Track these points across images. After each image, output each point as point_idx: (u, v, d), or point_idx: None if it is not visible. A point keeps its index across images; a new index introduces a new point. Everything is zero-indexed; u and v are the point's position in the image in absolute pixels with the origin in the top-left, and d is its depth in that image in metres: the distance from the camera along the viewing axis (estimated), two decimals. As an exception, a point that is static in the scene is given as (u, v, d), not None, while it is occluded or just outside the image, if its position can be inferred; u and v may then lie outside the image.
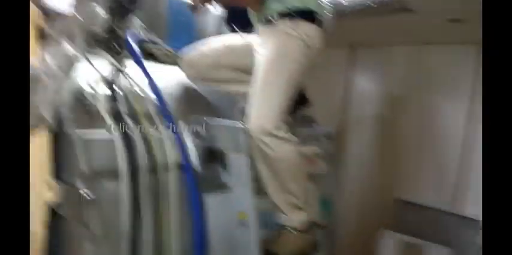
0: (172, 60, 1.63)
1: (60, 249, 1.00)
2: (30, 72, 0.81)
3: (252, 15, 1.47)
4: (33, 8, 1.19)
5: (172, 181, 1.19)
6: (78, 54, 1.02)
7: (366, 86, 3.19)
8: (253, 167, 1.30)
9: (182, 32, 1.89)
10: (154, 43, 1.60)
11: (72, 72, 0.99)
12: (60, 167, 1.00)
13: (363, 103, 3.13)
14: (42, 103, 0.82)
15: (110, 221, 0.99)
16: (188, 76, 1.55)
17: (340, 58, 3.31)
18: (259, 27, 1.41)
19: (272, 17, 1.32)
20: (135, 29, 1.56)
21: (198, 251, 1.17)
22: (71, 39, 1.04)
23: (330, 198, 1.97)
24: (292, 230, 1.29)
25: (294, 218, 1.30)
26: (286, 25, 1.30)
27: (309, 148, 1.85)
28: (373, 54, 3.17)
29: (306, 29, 1.30)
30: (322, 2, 1.38)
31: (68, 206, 0.97)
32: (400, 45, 2.97)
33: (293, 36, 1.29)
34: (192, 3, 1.43)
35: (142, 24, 1.64)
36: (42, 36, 1.09)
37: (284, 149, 1.23)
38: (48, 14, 1.21)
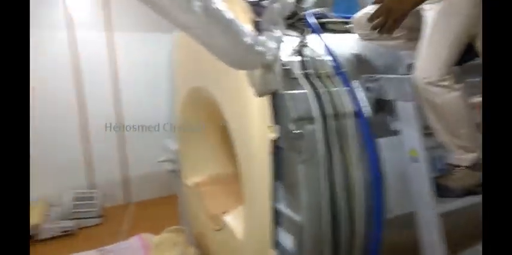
0: (341, 28, 1.96)
1: (282, 170, 1.56)
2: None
3: None
4: (245, 5, 1.73)
5: (350, 126, 1.57)
6: (282, 35, 1.48)
7: None
8: (421, 115, 1.53)
9: (346, 1, 2.18)
10: (326, 16, 1.96)
11: (280, 49, 1.46)
12: (277, 114, 1.53)
13: None
14: (271, 73, 1.31)
15: (312, 151, 1.46)
16: (359, 35, 1.79)
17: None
18: None
19: None
20: (310, 7, 1.95)
21: (376, 185, 1.53)
22: (275, 24, 1.51)
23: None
24: (462, 168, 1.48)
25: (463, 157, 1.49)
26: None
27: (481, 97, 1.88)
28: None
29: None
30: None
31: (284, 140, 1.50)
32: None
33: None
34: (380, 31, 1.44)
35: (316, 1, 2.01)
36: (256, 26, 1.61)
37: (449, 97, 1.40)
38: (256, 9, 1.74)
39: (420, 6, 1.53)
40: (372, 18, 1.42)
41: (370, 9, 1.72)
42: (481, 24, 1.52)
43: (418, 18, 1.55)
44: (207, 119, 2.39)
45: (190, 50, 2.17)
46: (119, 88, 3.37)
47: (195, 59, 2.15)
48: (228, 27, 0.94)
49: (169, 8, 0.74)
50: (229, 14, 0.97)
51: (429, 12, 1.46)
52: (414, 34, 1.62)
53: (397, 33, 1.68)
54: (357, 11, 2.12)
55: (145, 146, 3.49)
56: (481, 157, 1.49)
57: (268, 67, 1.28)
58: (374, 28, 1.42)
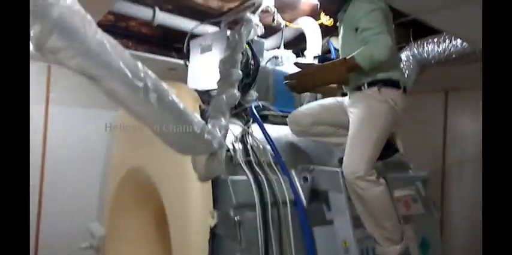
0: (280, 120, 2.17)
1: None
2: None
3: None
4: (194, 94, 1.86)
5: (288, 214, 1.62)
6: (227, 123, 1.59)
7: (464, 128, 3.28)
8: (351, 204, 1.65)
9: (285, 97, 2.46)
10: (268, 108, 2.17)
11: (225, 136, 1.55)
12: (218, 200, 1.53)
13: (462, 144, 3.21)
14: (215, 159, 1.36)
15: (251, 240, 1.45)
16: (294, 131, 2.01)
17: (436, 102, 3.50)
18: (350, 91, 1.81)
19: (362, 85, 1.68)
20: (254, 100, 2.16)
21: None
22: (222, 113, 1.62)
23: (430, 238, 2.12)
24: (388, 260, 1.56)
25: (390, 249, 1.58)
26: (373, 91, 1.66)
27: (405, 191, 2.11)
28: (467, 97, 3.30)
29: (391, 93, 1.64)
30: (403, 72, 1.76)
31: (223, 227, 1.47)
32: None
33: (379, 99, 1.64)
34: (290, 88, 1.79)
35: (257, 95, 2.24)
36: (202, 115, 1.72)
37: (374, 190, 1.56)
38: (204, 98, 1.88)
39: (346, 107, 1.79)
40: (287, 78, 1.76)
41: (305, 108, 1.98)
42: (399, 125, 1.82)
43: (345, 117, 1.79)
44: (141, 202, 2.28)
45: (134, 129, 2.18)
46: (45, 164, 3.14)
47: (135, 140, 2.15)
48: (180, 117, 1.01)
49: (128, 100, 0.80)
50: (181, 105, 1.05)
51: (354, 114, 1.70)
52: (342, 131, 1.86)
53: (326, 130, 1.92)
54: (294, 106, 2.40)
55: (64, 230, 3.11)
56: (407, 248, 1.59)
57: (213, 153, 1.34)
58: (288, 86, 1.75)
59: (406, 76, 1.75)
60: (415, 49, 2.87)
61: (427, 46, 2.82)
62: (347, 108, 1.80)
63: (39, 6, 0.58)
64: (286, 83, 1.76)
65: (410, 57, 2.91)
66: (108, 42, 0.71)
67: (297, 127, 1.95)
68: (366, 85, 1.67)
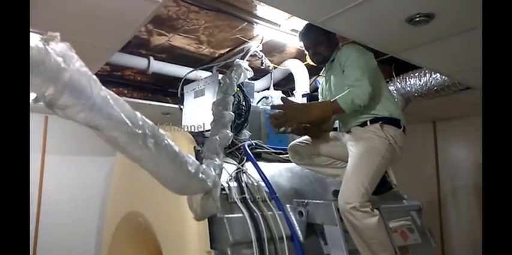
0: (273, 157, 2.27)
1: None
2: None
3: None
4: (188, 136, 1.96)
5: (286, 249, 1.66)
6: (221, 163, 1.68)
7: (454, 155, 3.38)
8: (348, 238, 1.69)
9: (277, 135, 2.58)
10: (260, 146, 2.27)
11: (220, 175, 1.63)
12: (214, 239, 1.57)
13: (455, 171, 3.28)
14: (210, 198, 1.43)
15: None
16: (293, 160, 2.06)
17: (425, 132, 3.63)
18: (353, 126, 1.85)
19: (365, 122, 1.79)
20: (247, 139, 2.27)
21: None
22: (216, 153, 1.72)
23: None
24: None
25: (388, 282, 1.60)
26: (375, 127, 1.76)
27: (400, 221, 2.15)
28: (454, 125, 3.44)
29: (392, 131, 1.75)
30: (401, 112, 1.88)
31: (221, 266, 1.51)
32: (476, 115, 3.24)
33: (380, 136, 1.73)
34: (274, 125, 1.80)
35: (250, 134, 2.35)
36: (197, 155, 1.81)
37: (369, 221, 1.61)
38: (198, 139, 1.99)
39: (346, 141, 1.87)
40: (271, 116, 1.77)
41: (305, 138, 2.06)
42: (396, 162, 1.89)
43: (342, 150, 1.88)
44: (139, 244, 2.29)
45: (131, 174, 2.26)
46: (40, 211, 3.16)
47: (132, 184, 2.22)
48: (175, 159, 1.10)
49: (128, 146, 0.90)
50: (176, 148, 1.15)
51: (355, 148, 1.78)
52: (340, 164, 1.95)
53: (324, 161, 2.00)
54: (287, 143, 2.51)
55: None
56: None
57: (208, 192, 1.41)
58: (272, 125, 1.76)
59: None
60: (398, 84, 3.07)
61: (409, 80, 3.02)
62: (346, 142, 1.87)
63: (53, 71, 0.70)
64: (270, 119, 1.77)
65: (394, 91, 3.10)
66: (110, 96, 0.83)
67: (296, 156, 2.03)
68: (368, 122, 1.78)
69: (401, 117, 1.83)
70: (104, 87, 0.83)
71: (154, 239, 1.90)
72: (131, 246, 2.30)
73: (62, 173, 3.25)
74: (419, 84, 2.97)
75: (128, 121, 0.86)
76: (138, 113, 0.94)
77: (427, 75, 2.92)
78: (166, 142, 1.06)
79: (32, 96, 0.77)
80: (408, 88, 3.03)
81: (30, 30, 0.71)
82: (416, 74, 2.98)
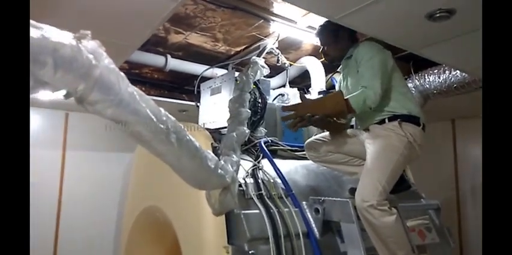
0: (289, 154, 2.28)
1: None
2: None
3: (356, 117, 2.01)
4: (206, 133, 2.00)
5: (302, 246, 1.67)
6: (239, 159, 1.71)
7: (473, 154, 3.32)
8: (365, 236, 1.69)
9: (293, 132, 2.59)
10: (276, 144, 2.29)
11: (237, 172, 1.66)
12: (231, 234, 1.61)
13: (473, 170, 3.23)
14: (229, 193, 1.46)
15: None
16: (310, 157, 2.07)
17: (443, 130, 3.58)
18: (370, 124, 1.85)
19: (383, 119, 1.79)
20: (263, 136, 2.30)
21: None
22: (233, 150, 1.75)
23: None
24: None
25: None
26: (394, 125, 1.75)
27: (418, 220, 2.14)
28: (473, 124, 3.39)
29: (410, 129, 1.74)
30: (421, 109, 1.87)
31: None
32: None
33: (399, 133, 1.73)
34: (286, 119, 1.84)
35: (266, 131, 2.38)
36: (214, 152, 1.85)
37: (387, 219, 1.61)
38: (215, 136, 2.02)
39: (363, 139, 1.87)
40: (284, 119, 1.79)
41: (323, 135, 2.07)
42: (415, 160, 1.88)
43: (359, 148, 1.89)
44: (157, 238, 2.34)
45: (150, 170, 2.31)
46: (61, 206, 3.27)
47: (150, 180, 2.27)
48: (196, 154, 1.14)
49: (152, 140, 0.94)
50: (196, 143, 1.18)
51: (373, 145, 1.78)
52: (357, 161, 1.95)
53: (341, 159, 2.00)
54: (303, 140, 2.52)
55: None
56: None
57: (226, 188, 1.44)
58: (283, 119, 1.79)
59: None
60: (416, 81, 3.03)
61: (428, 77, 2.98)
62: (364, 140, 1.87)
63: (84, 68, 0.74)
64: (283, 115, 1.79)
65: (413, 88, 3.06)
66: (136, 92, 0.86)
67: (313, 153, 2.03)
68: (386, 120, 1.78)
69: (421, 115, 1.82)
70: (130, 84, 0.87)
71: (172, 233, 1.95)
72: (149, 239, 2.36)
73: (82, 168, 3.35)
74: (439, 81, 2.93)
75: (153, 117, 0.90)
76: (161, 109, 0.97)
77: (447, 72, 2.87)
78: (187, 137, 1.09)
79: (63, 91, 0.81)
80: (427, 86, 2.99)
81: (56, 28, 0.74)
82: (435, 71, 2.94)
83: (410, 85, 3.07)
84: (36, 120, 3.24)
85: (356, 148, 1.93)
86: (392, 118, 1.77)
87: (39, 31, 0.67)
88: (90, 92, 0.76)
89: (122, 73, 0.84)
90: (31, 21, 0.68)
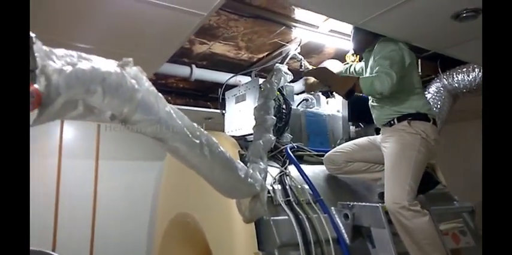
0: (316, 159, 2.33)
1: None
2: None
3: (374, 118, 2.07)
4: (233, 140, 2.08)
5: (332, 252, 1.72)
6: (266, 166, 1.78)
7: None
8: (397, 241, 1.72)
9: (318, 137, 2.64)
10: (302, 149, 2.35)
11: (265, 179, 1.73)
12: (261, 241, 1.67)
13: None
14: (258, 201, 1.53)
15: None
16: (329, 170, 2.16)
17: (473, 130, 3.51)
18: (382, 127, 1.95)
19: (392, 120, 1.86)
20: (288, 142, 2.36)
21: None
22: (260, 157, 1.82)
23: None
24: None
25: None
26: (403, 125, 1.81)
27: (452, 224, 2.13)
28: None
29: (421, 126, 1.79)
30: (430, 106, 1.91)
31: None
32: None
33: (410, 132, 1.78)
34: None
35: (291, 136, 2.43)
36: (241, 159, 1.92)
37: (420, 220, 1.63)
38: (241, 143, 2.10)
39: (379, 143, 1.92)
40: (305, 73, 2.15)
41: (339, 148, 2.13)
42: (435, 156, 1.92)
43: (377, 153, 1.92)
44: (189, 244, 2.44)
45: (180, 178, 2.42)
46: (95, 216, 3.45)
47: (183, 186, 2.38)
48: (227, 164, 1.22)
49: (188, 154, 1.02)
50: (227, 154, 1.26)
51: (388, 148, 1.83)
52: (378, 167, 1.99)
53: (361, 167, 2.05)
54: (328, 144, 2.56)
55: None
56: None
57: (256, 196, 1.51)
58: (304, 74, 2.22)
59: (434, 109, 1.89)
60: (444, 80, 3.00)
61: (456, 76, 2.95)
62: (380, 144, 1.93)
63: (128, 92, 0.83)
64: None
65: (441, 88, 3.03)
66: (173, 110, 0.95)
67: (332, 166, 2.11)
68: (395, 120, 1.84)
69: (430, 111, 1.87)
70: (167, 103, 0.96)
71: (203, 238, 2.04)
72: (181, 245, 2.47)
73: (114, 177, 3.52)
74: (468, 80, 2.90)
75: (188, 132, 0.98)
76: (195, 124, 1.06)
77: (476, 70, 2.84)
78: (219, 149, 1.18)
79: (108, 114, 0.91)
80: (456, 85, 2.96)
81: (88, 46, 0.84)
82: (463, 70, 2.91)
83: (438, 84, 3.04)
84: (70, 132, 3.45)
85: (373, 153, 1.98)
86: (401, 119, 1.84)
87: (88, 63, 0.77)
88: (134, 114, 0.85)
89: (160, 94, 0.93)
90: (81, 54, 0.78)
